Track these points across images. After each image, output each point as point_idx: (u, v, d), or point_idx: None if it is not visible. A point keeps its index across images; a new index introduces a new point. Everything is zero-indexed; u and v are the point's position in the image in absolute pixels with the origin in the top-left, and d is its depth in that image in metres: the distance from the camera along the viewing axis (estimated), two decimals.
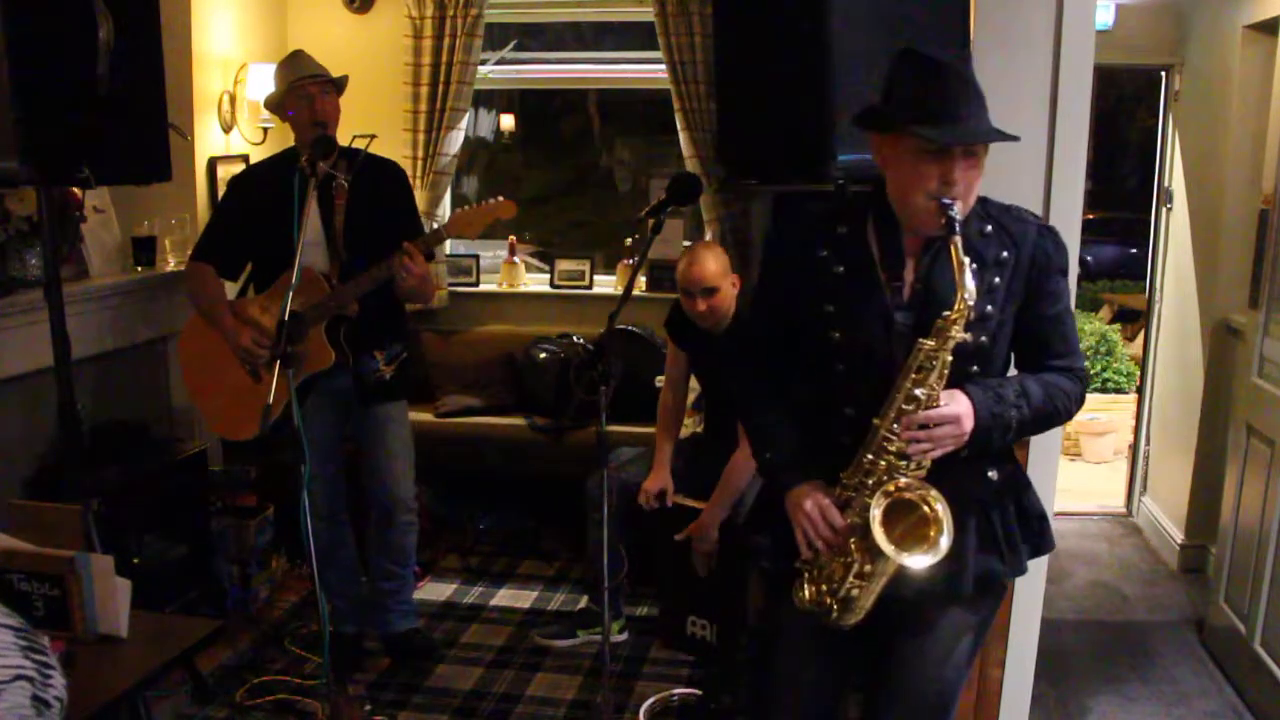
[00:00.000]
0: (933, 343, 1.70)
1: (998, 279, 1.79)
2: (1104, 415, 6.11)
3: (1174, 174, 4.72)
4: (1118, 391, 6.47)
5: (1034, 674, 2.70)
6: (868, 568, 1.78)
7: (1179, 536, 4.42)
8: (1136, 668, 3.47)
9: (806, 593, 1.88)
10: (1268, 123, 3.47)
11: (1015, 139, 1.69)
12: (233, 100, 4.55)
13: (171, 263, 3.87)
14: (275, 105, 3.26)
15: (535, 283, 5.15)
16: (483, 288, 5.03)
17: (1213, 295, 4.20)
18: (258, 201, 3.15)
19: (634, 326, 4.45)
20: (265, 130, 4.70)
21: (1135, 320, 7.57)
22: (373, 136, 3.21)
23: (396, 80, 4.70)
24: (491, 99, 5.54)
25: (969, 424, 1.73)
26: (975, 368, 1.78)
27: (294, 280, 2.63)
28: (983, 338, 1.78)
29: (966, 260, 1.67)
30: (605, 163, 5.80)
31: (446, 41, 4.65)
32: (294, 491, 2.56)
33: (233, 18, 4.57)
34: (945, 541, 1.71)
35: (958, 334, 1.69)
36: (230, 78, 4.54)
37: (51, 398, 2.55)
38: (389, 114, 4.59)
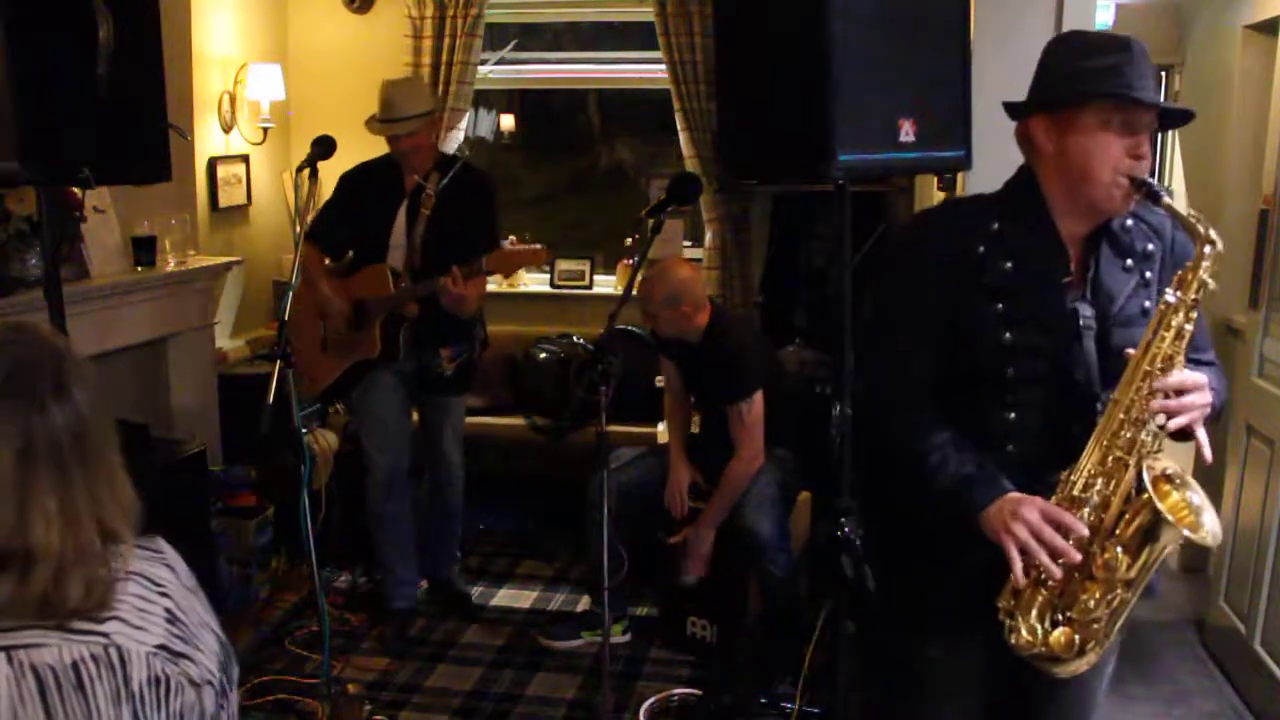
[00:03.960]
0: (1180, 294, 1.58)
1: (1148, 273, 1.71)
2: None
3: (1174, 174, 4.72)
4: None
5: None
6: (1123, 569, 1.54)
7: None
8: (1136, 668, 3.47)
9: (1030, 635, 1.59)
10: (1268, 123, 3.47)
11: (1194, 115, 1.66)
12: (233, 100, 4.55)
13: (171, 263, 3.87)
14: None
15: (535, 283, 5.15)
16: None
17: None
18: (356, 198, 3.51)
19: (634, 326, 4.45)
20: (265, 130, 4.71)
21: None
22: (465, 154, 3.37)
23: None
24: (491, 99, 5.54)
25: (1210, 394, 1.58)
26: (1130, 349, 1.62)
27: (294, 280, 2.68)
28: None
29: (1191, 212, 1.59)
30: (605, 163, 5.79)
31: (446, 41, 4.65)
32: (294, 492, 2.57)
33: (233, 18, 4.57)
34: (1210, 519, 1.55)
35: (1208, 278, 1.57)
36: (230, 78, 4.54)
37: None
38: None
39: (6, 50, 1.98)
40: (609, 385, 2.54)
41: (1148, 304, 1.69)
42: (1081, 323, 1.65)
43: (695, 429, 3.77)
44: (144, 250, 3.73)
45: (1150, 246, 1.71)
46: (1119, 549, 1.56)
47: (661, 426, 4.10)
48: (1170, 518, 1.52)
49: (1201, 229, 1.58)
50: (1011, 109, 1.71)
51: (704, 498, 3.45)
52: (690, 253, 4.83)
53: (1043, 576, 1.58)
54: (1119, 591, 1.56)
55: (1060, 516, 1.55)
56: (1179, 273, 1.61)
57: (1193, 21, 4.50)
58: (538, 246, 3.32)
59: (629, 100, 5.47)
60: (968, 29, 1.92)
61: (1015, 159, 1.73)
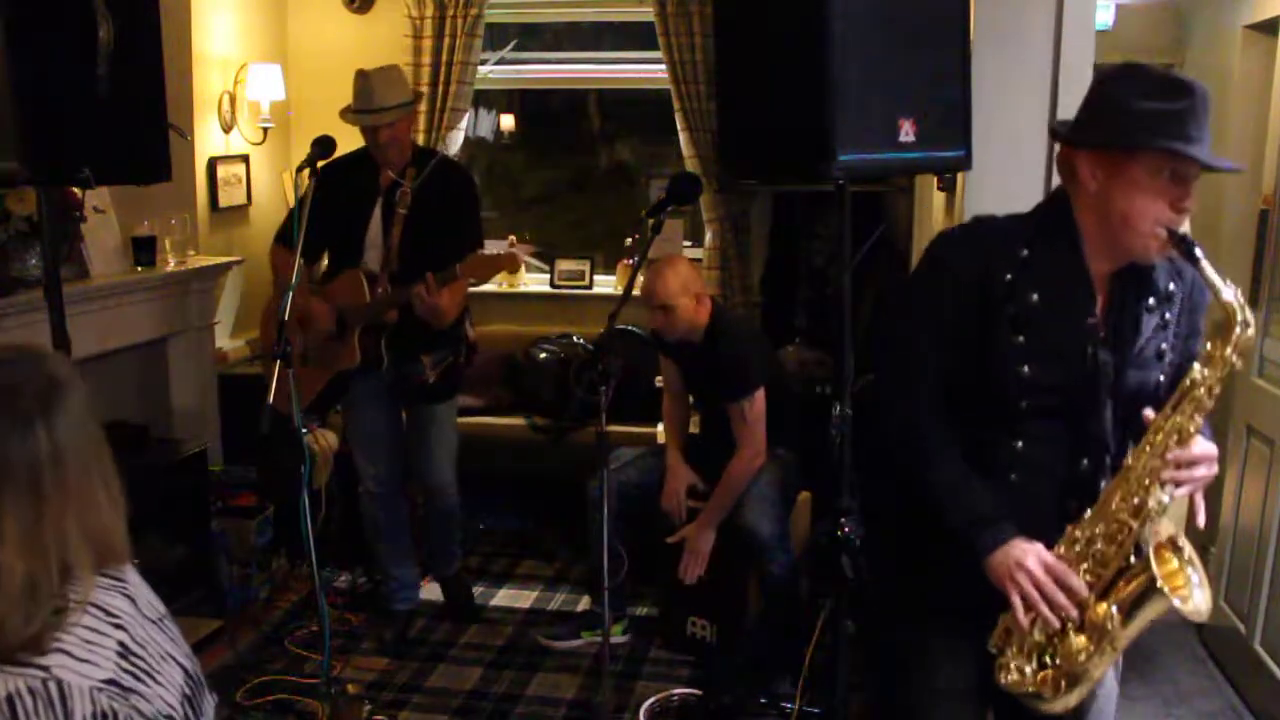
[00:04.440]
0: (1208, 371, 1.56)
1: (1168, 314, 1.70)
2: None
3: None
4: None
5: None
6: (1110, 626, 1.58)
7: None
8: (1136, 668, 3.47)
9: (1018, 674, 1.64)
10: (1268, 123, 3.47)
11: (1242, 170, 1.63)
12: (233, 100, 4.55)
13: (171, 263, 3.87)
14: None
15: (535, 283, 5.15)
16: (483, 287, 5.02)
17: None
18: (329, 196, 3.15)
19: (634, 326, 4.46)
20: (265, 130, 4.70)
21: None
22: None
23: None
24: (491, 99, 5.54)
25: (1216, 466, 1.61)
26: (1149, 410, 1.65)
27: (294, 280, 2.68)
28: (1160, 376, 1.68)
29: (1225, 283, 1.56)
30: (605, 163, 5.80)
31: (446, 41, 4.65)
32: (294, 492, 2.58)
33: (233, 18, 4.57)
34: (1201, 596, 1.60)
35: (1235, 360, 1.56)
36: (230, 78, 4.55)
37: None
38: None
39: (6, 50, 1.98)
40: (609, 385, 2.54)
41: (1164, 346, 1.69)
42: (1100, 366, 1.64)
43: (695, 429, 3.77)
44: (144, 250, 3.73)
45: (1172, 286, 1.70)
46: (1114, 608, 1.58)
47: (662, 426, 4.10)
48: (1164, 586, 1.55)
49: (1237, 309, 1.56)
50: (1057, 134, 1.67)
51: (703, 499, 3.45)
52: (690, 253, 4.84)
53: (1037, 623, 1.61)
54: (1105, 645, 1.60)
55: (1063, 575, 1.59)
56: (1208, 348, 1.58)
57: (1193, 21, 4.50)
58: (513, 251, 3.16)
59: (629, 100, 5.47)
60: (968, 29, 1.92)
61: (1015, 159, 1.73)
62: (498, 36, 5.07)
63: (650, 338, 3.61)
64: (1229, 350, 1.57)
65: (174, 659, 1.03)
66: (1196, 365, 1.58)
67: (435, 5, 4.64)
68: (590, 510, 3.44)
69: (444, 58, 4.66)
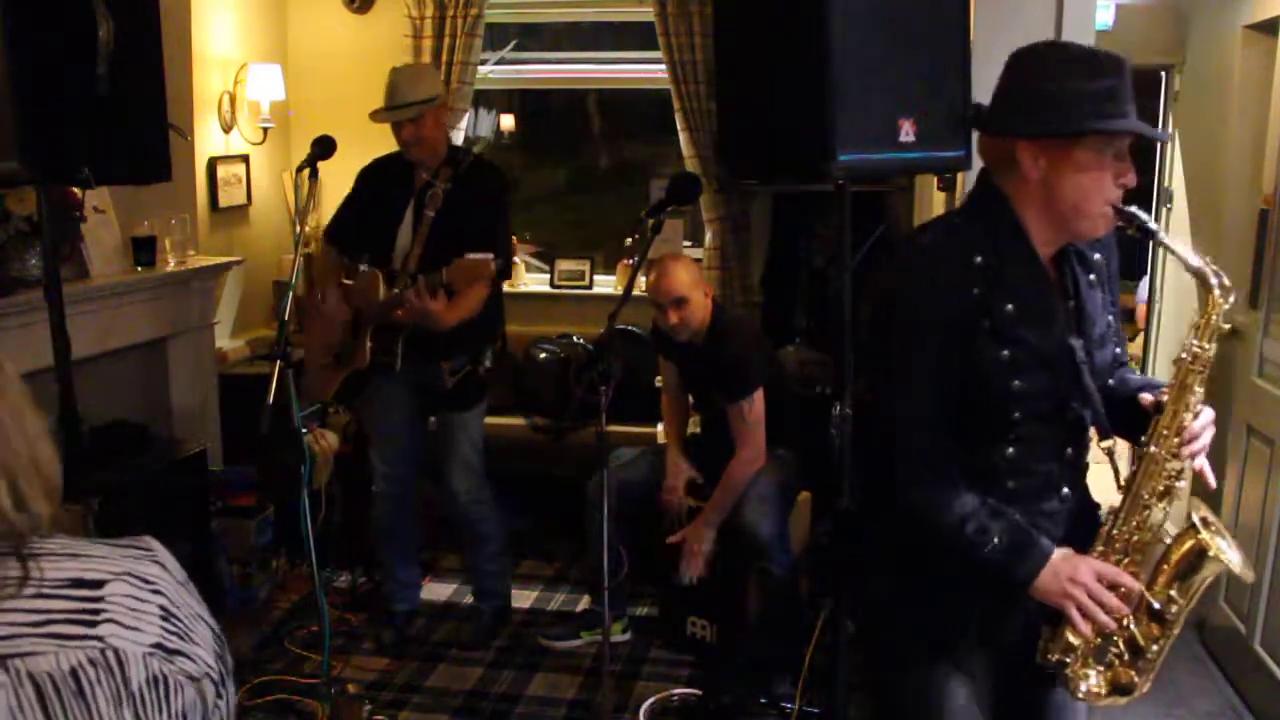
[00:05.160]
0: (1205, 344, 1.57)
1: (1105, 286, 1.70)
2: None
3: (1174, 174, 4.72)
4: None
5: None
6: (1174, 608, 1.62)
7: None
8: None
9: (1086, 680, 1.65)
10: (1268, 123, 3.47)
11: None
12: (233, 100, 4.56)
13: (171, 263, 3.87)
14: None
15: (535, 283, 5.16)
16: None
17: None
18: (370, 193, 3.36)
19: (634, 326, 4.46)
20: (265, 130, 4.71)
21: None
22: (475, 144, 3.20)
23: None
24: (491, 99, 5.54)
25: (1214, 427, 1.63)
26: (1147, 395, 1.66)
27: (293, 280, 2.68)
28: (1116, 348, 1.68)
29: (1190, 251, 1.56)
30: (605, 163, 5.80)
31: (446, 41, 4.65)
32: (294, 492, 2.58)
33: (233, 18, 4.57)
34: (1237, 555, 1.62)
35: (1221, 324, 1.56)
36: (230, 78, 4.55)
37: (51, 398, 2.55)
38: None
39: (6, 50, 1.98)
40: (609, 385, 2.54)
41: (1110, 317, 1.69)
42: (1078, 358, 1.62)
43: (696, 429, 3.77)
44: (144, 250, 3.73)
45: (1098, 256, 1.69)
46: (1171, 591, 1.63)
47: (662, 426, 4.10)
48: (1212, 550, 1.60)
49: (1209, 274, 1.56)
50: (983, 121, 1.64)
51: (703, 495, 3.45)
52: (690, 253, 4.83)
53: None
54: (1168, 625, 1.64)
55: (1114, 576, 1.59)
56: (1197, 320, 1.58)
57: (1193, 21, 4.50)
58: (489, 258, 2.98)
59: (629, 100, 5.47)
60: (968, 29, 1.92)
61: None
62: (498, 36, 5.07)
63: (650, 338, 3.60)
64: (1214, 317, 1.57)
65: (202, 618, 1.07)
66: (1194, 341, 1.58)
67: (435, 5, 4.64)
68: (590, 510, 3.44)
69: (444, 58, 4.66)
